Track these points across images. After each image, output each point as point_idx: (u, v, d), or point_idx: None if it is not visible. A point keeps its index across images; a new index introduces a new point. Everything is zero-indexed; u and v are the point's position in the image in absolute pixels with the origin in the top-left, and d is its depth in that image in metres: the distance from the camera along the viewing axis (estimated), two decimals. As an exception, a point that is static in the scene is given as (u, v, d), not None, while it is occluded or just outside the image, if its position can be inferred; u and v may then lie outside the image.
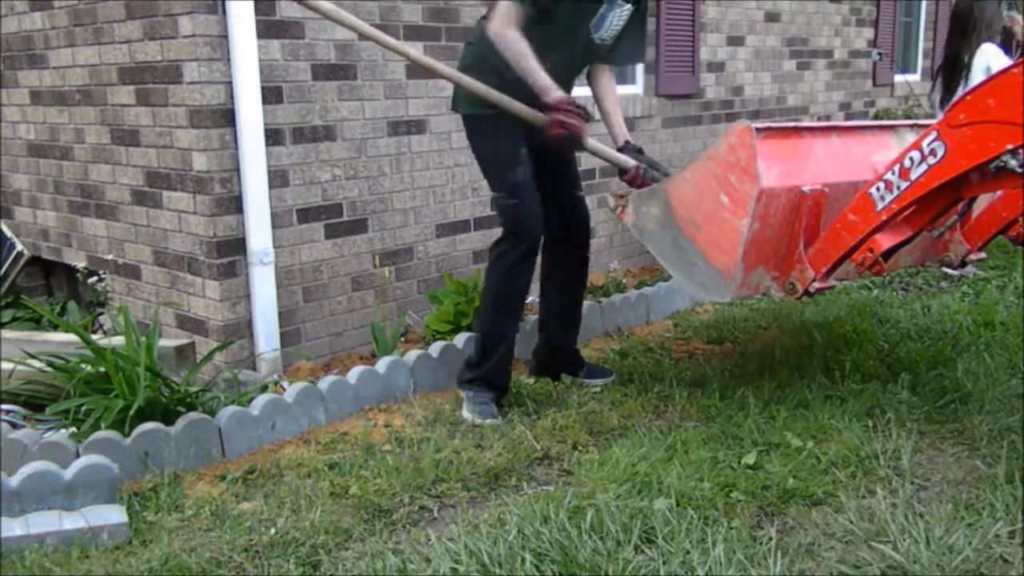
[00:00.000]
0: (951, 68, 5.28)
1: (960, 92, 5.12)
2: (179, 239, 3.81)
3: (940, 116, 2.89)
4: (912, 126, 3.47)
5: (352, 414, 3.39)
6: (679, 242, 3.13)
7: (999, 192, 3.13)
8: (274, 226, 3.74)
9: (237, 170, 3.63)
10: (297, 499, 2.70)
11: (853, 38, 7.51)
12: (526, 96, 3.14)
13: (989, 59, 5.08)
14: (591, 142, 3.21)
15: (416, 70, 4.18)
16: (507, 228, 3.32)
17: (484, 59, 3.21)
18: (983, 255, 3.46)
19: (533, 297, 3.93)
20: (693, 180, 3.07)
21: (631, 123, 5.31)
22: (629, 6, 3.30)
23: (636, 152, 3.40)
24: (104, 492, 2.64)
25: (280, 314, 3.79)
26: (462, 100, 3.38)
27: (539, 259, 3.45)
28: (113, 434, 2.86)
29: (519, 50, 3.06)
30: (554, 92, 3.06)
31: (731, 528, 2.40)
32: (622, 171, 3.35)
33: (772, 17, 6.50)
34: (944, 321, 4.30)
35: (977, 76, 5.02)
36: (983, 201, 3.25)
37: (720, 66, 6.09)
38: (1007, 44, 5.59)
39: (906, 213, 2.86)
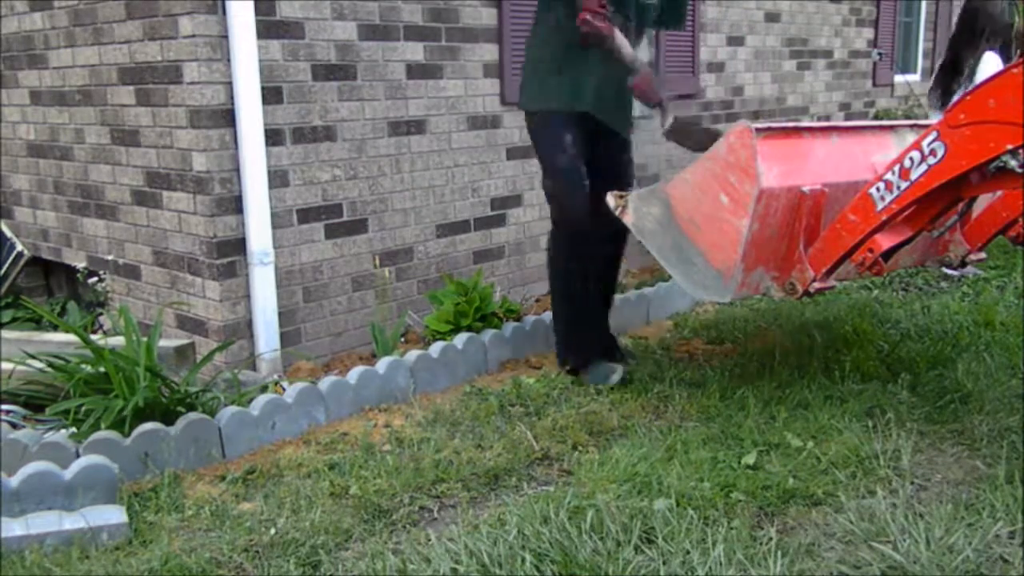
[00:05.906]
0: (950, 70, 5.27)
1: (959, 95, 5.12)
2: (179, 239, 3.81)
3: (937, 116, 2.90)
4: (912, 126, 3.47)
5: (352, 414, 3.39)
6: (679, 242, 3.13)
7: (999, 192, 3.13)
8: (274, 226, 3.74)
9: (237, 170, 3.64)
10: (297, 499, 2.69)
11: (853, 38, 7.51)
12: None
13: (992, 69, 5.08)
14: (615, 42, 3.34)
15: (416, 70, 4.19)
16: (551, 215, 3.64)
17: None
18: (983, 255, 3.46)
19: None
20: (693, 180, 3.07)
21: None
22: None
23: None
24: (104, 492, 2.64)
25: (280, 314, 3.79)
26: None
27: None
28: (113, 434, 2.86)
29: None
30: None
31: (731, 528, 2.39)
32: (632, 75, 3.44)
33: (772, 17, 6.50)
34: (944, 321, 4.30)
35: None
36: (983, 201, 3.25)
37: (720, 66, 6.09)
38: (1007, 47, 5.58)
39: (906, 213, 2.86)
